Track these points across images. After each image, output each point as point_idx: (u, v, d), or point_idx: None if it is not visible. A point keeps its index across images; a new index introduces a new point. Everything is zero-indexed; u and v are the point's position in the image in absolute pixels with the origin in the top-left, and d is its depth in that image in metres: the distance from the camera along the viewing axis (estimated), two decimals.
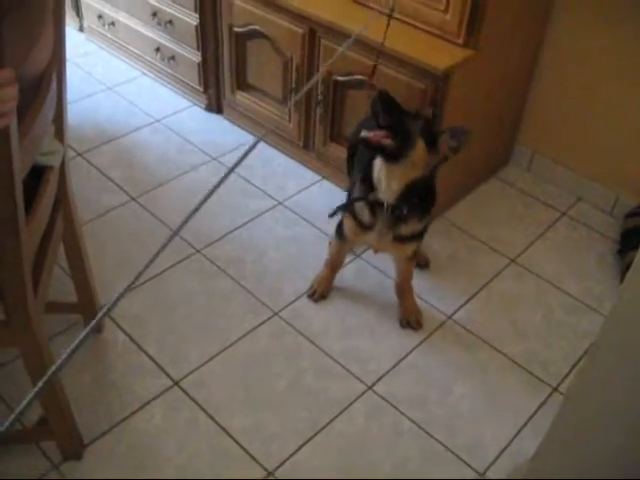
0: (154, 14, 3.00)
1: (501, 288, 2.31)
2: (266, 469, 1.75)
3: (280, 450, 1.80)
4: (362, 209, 1.93)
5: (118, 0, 3.18)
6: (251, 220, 2.51)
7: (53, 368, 0.57)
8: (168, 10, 2.93)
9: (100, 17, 3.35)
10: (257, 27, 2.59)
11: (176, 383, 1.94)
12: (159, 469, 1.74)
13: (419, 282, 2.24)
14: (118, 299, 0.61)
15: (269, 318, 2.15)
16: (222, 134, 2.94)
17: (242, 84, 2.84)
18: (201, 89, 3.02)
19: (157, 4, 2.97)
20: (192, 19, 2.84)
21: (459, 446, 1.84)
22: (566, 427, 1.44)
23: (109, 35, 3.38)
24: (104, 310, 0.59)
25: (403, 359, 2.05)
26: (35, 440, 1.75)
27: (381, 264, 2.33)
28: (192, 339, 2.07)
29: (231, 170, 0.72)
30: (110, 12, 3.27)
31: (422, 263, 2.35)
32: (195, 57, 2.95)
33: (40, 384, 0.56)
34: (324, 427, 1.86)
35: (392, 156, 1.75)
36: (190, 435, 1.81)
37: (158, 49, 3.11)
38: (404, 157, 1.75)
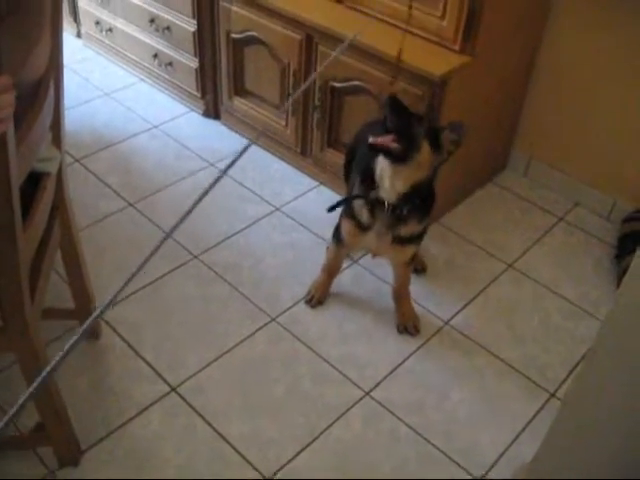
0: (152, 20, 3.01)
1: (498, 293, 2.31)
2: (263, 475, 1.75)
3: (278, 456, 1.79)
4: (361, 208, 1.92)
5: (116, 6, 3.18)
6: (248, 226, 2.51)
7: (48, 369, 0.57)
8: (166, 16, 2.94)
9: (98, 23, 3.36)
10: (254, 33, 2.60)
11: (173, 389, 1.94)
12: (156, 475, 1.74)
13: (416, 287, 2.24)
14: (112, 300, 0.61)
15: (266, 324, 2.15)
16: (220, 140, 2.94)
17: (239, 90, 2.85)
18: (199, 95, 3.03)
19: (155, 10, 2.97)
20: (190, 25, 2.85)
21: (457, 451, 1.84)
22: (564, 432, 1.44)
23: (107, 41, 3.39)
24: (97, 311, 0.59)
25: (400, 365, 2.05)
26: (32, 446, 1.75)
27: (378, 270, 2.33)
28: (189, 345, 2.06)
29: (224, 172, 0.72)
30: (108, 18, 3.28)
31: (419, 268, 2.35)
32: (193, 63, 2.95)
33: (35, 384, 0.56)
34: (322, 433, 1.86)
35: (399, 158, 1.76)
36: (187, 441, 1.81)
37: (156, 55, 3.12)
38: (410, 159, 1.75)
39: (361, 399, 1.95)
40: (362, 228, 1.94)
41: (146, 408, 1.88)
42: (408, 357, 2.08)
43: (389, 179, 1.81)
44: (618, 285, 2.18)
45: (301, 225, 2.52)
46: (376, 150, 1.77)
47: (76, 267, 1.87)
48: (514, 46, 2.42)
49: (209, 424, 1.85)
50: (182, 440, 1.81)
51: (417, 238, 1.98)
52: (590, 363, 1.34)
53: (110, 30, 3.31)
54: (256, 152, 2.88)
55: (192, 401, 1.91)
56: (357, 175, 1.97)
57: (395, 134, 1.74)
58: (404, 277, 2.13)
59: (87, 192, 2.60)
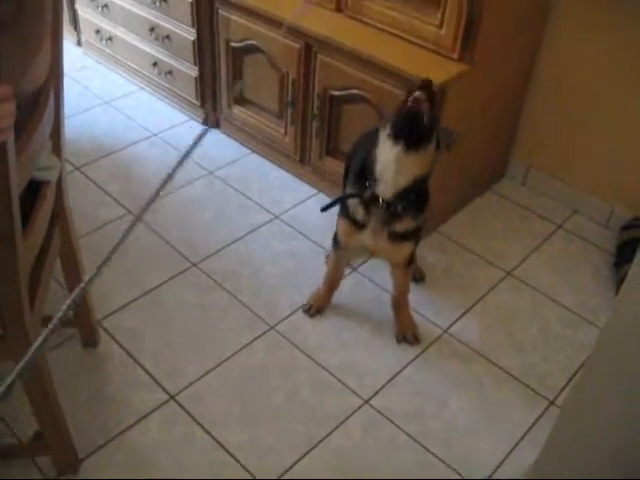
0: (152, 29, 3.02)
1: (497, 301, 2.31)
2: None
3: (277, 464, 1.79)
4: (356, 207, 1.93)
5: (116, 15, 3.20)
6: (247, 234, 2.51)
7: (35, 346, 0.57)
8: (166, 25, 2.95)
9: (98, 32, 3.37)
10: (254, 42, 2.61)
11: (172, 397, 1.94)
12: None
13: (415, 296, 2.24)
14: (96, 272, 0.61)
15: (265, 332, 2.15)
16: (219, 148, 2.95)
17: (239, 98, 2.85)
18: (198, 103, 3.04)
19: (155, 19, 2.98)
20: (189, 34, 2.86)
21: (456, 460, 1.83)
22: (563, 440, 1.44)
23: (107, 50, 3.40)
24: (82, 284, 0.59)
25: (399, 373, 2.05)
26: (30, 455, 1.75)
27: (378, 278, 2.33)
28: (188, 353, 2.06)
29: (186, 155, 0.72)
30: (108, 27, 3.29)
31: (418, 277, 2.35)
32: (192, 72, 2.96)
33: (21, 363, 0.56)
34: (321, 441, 1.85)
35: (418, 142, 1.75)
36: (186, 449, 1.81)
37: (155, 64, 3.13)
38: (424, 148, 1.76)
39: (360, 407, 1.95)
40: (358, 226, 1.95)
41: (145, 416, 1.88)
42: (407, 365, 2.08)
43: (394, 171, 1.79)
44: (617, 293, 2.18)
45: (300, 233, 2.53)
46: (409, 114, 1.74)
47: (76, 275, 1.87)
48: (513, 54, 2.43)
49: (208, 432, 1.85)
50: (181, 448, 1.81)
51: (413, 235, 1.97)
52: (589, 371, 1.34)
53: (110, 39, 3.32)
54: (255, 160, 2.89)
55: (191, 409, 1.91)
56: (352, 174, 1.98)
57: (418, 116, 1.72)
58: (403, 285, 2.13)
59: (87, 200, 2.60)
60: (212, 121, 3.05)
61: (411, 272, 2.15)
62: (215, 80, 2.91)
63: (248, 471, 1.77)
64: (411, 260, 2.08)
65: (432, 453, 1.84)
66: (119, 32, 3.24)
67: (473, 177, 2.67)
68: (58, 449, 1.68)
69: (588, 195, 2.66)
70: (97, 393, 1.93)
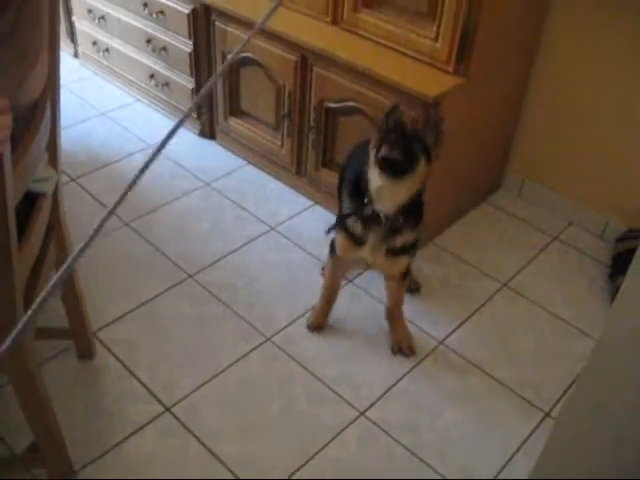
0: (148, 41, 3.03)
1: (493, 313, 2.32)
2: None
3: (272, 476, 1.78)
4: (354, 223, 1.93)
5: (113, 27, 3.21)
6: (244, 245, 2.52)
7: (24, 318, 0.56)
8: (162, 37, 2.96)
9: (95, 43, 3.38)
10: (250, 54, 2.62)
11: (168, 409, 1.93)
12: None
13: (410, 307, 2.24)
14: (79, 254, 0.60)
15: (261, 344, 2.15)
16: (215, 159, 2.96)
17: (235, 110, 2.87)
18: (195, 115, 3.05)
19: (151, 31, 3.00)
20: (186, 46, 2.87)
21: (451, 471, 1.83)
22: (558, 452, 1.44)
23: (104, 61, 3.41)
24: (69, 260, 0.58)
25: (395, 385, 2.05)
26: (26, 467, 1.74)
27: (374, 290, 2.34)
28: (184, 365, 2.06)
29: (160, 149, 0.71)
30: (104, 38, 3.31)
31: (413, 288, 2.35)
32: (189, 83, 2.97)
33: (17, 328, 0.56)
34: (317, 453, 1.85)
35: (401, 172, 1.77)
36: (181, 461, 1.80)
37: (152, 75, 3.14)
38: (411, 173, 1.77)
39: (356, 419, 1.95)
40: (356, 242, 1.95)
41: (141, 428, 1.87)
42: (402, 377, 2.08)
43: (390, 194, 1.81)
44: (612, 304, 2.18)
45: (296, 245, 2.53)
46: (387, 164, 1.77)
47: (70, 286, 1.87)
48: (508, 67, 2.45)
49: (203, 444, 1.84)
50: (176, 460, 1.80)
51: (410, 248, 1.98)
52: (584, 382, 1.34)
53: (107, 50, 3.33)
54: (252, 172, 2.89)
55: (186, 421, 1.90)
56: (346, 191, 1.99)
57: (398, 149, 1.74)
58: (397, 296, 2.13)
59: (83, 211, 2.60)
60: (208, 133, 3.06)
61: (406, 284, 2.16)
62: (211, 92, 2.92)
63: None
64: (406, 272, 2.08)
65: (428, 464, 1.84)
66: (116, 44, 3.26)
67: (469, 188, 2.68)
68: (53, 461, 1.67)
69: (583, 207, 2.67)
70: (93, 405, 1.93)
